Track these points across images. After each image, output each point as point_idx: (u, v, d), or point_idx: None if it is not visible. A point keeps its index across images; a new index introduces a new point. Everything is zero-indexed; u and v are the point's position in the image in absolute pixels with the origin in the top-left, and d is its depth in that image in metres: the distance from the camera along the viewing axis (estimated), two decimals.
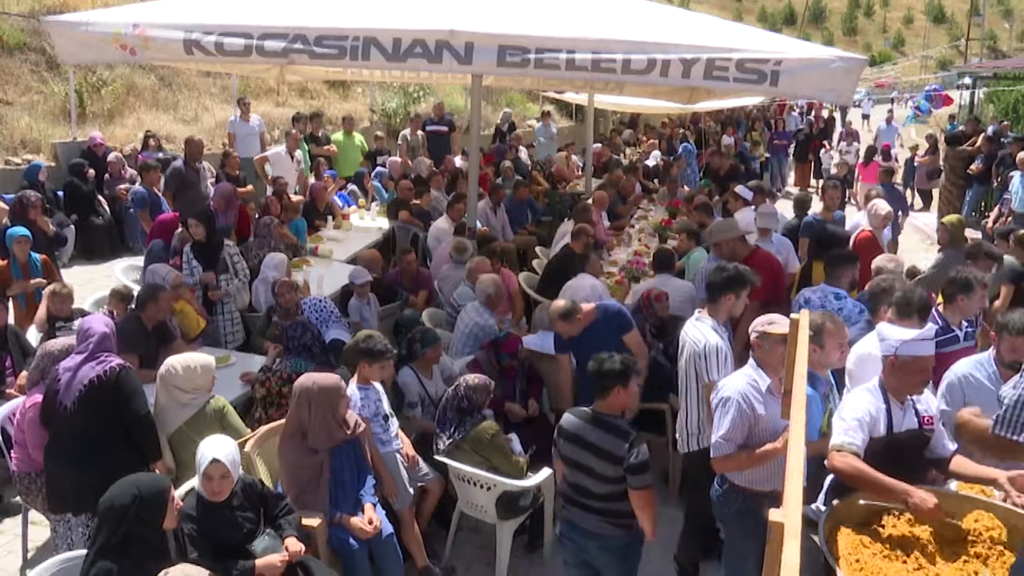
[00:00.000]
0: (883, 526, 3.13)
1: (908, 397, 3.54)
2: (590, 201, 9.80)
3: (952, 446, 3.67)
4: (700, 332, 4.43)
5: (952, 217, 7.95)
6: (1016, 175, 11.30)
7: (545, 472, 4.82)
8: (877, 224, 7.55)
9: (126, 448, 4.20)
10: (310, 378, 4.22)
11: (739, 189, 9.14)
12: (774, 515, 1.84)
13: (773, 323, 3.79)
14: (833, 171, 15.69)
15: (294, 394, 4.18)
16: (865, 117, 35.11)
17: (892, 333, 3.51)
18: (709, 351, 4.33)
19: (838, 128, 23.08)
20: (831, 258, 6.00)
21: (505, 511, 4.70)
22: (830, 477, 3.59)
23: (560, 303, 5.33)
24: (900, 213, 12.58)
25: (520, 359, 5.70)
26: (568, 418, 3.84)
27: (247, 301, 7.05)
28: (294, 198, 9.86)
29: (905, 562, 2.94)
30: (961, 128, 16.82)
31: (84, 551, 3.70)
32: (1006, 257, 6.78)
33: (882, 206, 7.62)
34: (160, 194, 9.49)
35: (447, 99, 18.88)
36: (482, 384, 4.83)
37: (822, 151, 18.62)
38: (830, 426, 3.65)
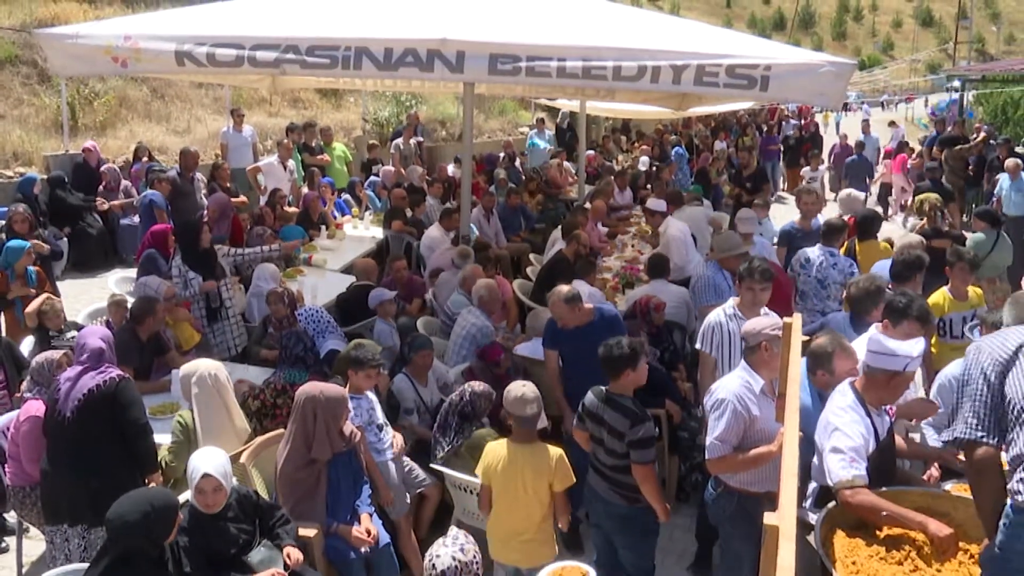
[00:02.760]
0: (879, 528, 3.14)
1: None
2: (587, 206, 9.84)
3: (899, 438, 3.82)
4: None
5: (930, 195, 9.10)
6: (1003, 177, 11.24)
7: None
8: (857, 208, 8.10)
9: (123, 459, 4.18)
10: (316, 387, 4.21)
11: (651, 203, 9.12)
12: (769, 518, 1.86)
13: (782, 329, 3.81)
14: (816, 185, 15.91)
15: (297, 403, 4.17)
16: (865, 122, 35.16)
17: (898, 347, 3.38)
18: (704, 325, 4.93)
19: (831, 138, 23.03)
20: (828, 227, 6.74)
21: None
22: (814, 484, 3.59)
23: (565, 288, 5.37)
24: (868, 178, 16.02)
25: (515, 365, 5.71)
26: (588, 396, 4.14)
27: (243, 303, 7.08)
28: (288, 209, 9.87)
29: (901, 564, 2.95)
30: (949, 129, 16.94)
31: (79, 565, 3.70)
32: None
33: (858, 195, 8.61)
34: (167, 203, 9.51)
35: (439, 107, 18.91)
36: (487, 392, 4.85)
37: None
38: None
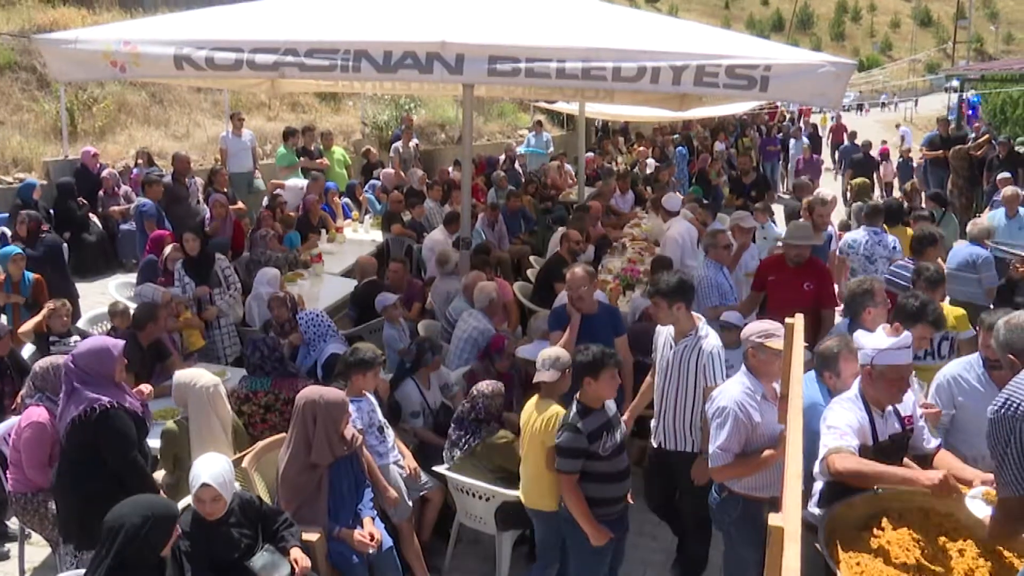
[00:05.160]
0: (883, 529, 3.13)
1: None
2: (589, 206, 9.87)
3: (934, 442, 3.71)
4: None
5: (857, 180, 10.84)
6: (994, 214, 9.63)
7: None
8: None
9: (111, 485, 3.94)
10: (316, 391, 4.21)
11: (666, 201, 9.14)
12: (774, 520, 1.84)
13: (771, 336, 3.79)
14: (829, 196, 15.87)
15: (297, 407, 4.17)
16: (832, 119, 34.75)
17: (868, 341, 3.44)
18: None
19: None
20: (872, 208, 7.55)
21: (505, 523, 4.67)
22: (819, 484, 3.57)
23: (585, 264, 5.55)
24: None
25: (517, 367, 5.71)
26: None
27: (240, 315, 7.04)
28: (289, 213, 9.86)
29: (906, 564, 2.94)
30: (951, 128, 17.02)
31: (77, 572, 3.68)
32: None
33: (827, 192, 8.82)
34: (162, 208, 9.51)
35: (438, 110, 18.90)
36: (496, 391, 4.83)
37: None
38: None
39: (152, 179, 9.55)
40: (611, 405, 4.03)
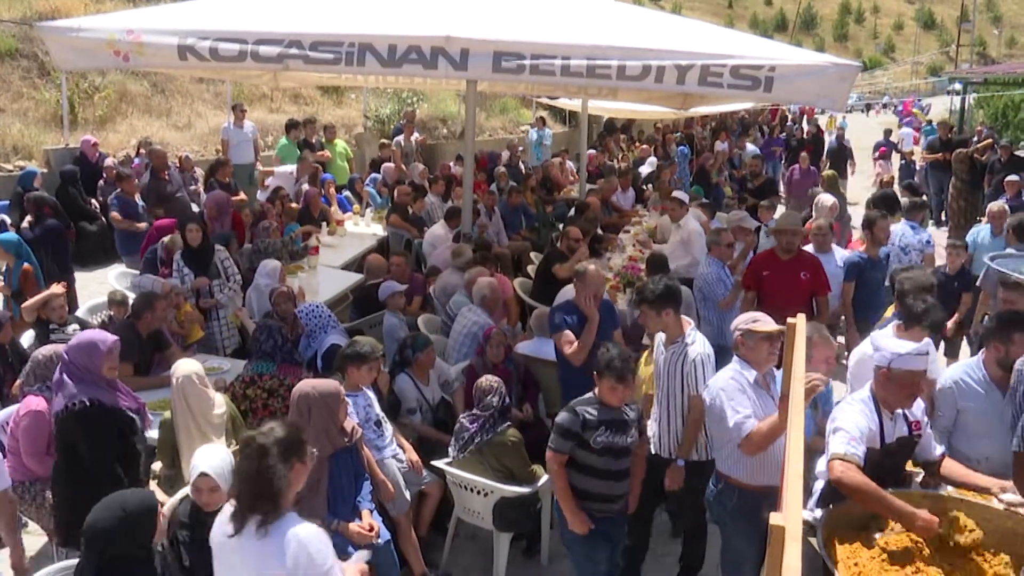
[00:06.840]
0: (881, 530, 3.13)
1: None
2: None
3: (940, 449, 3.71)
4: None
5: (827, 172, 11.22)
6: (982, 229, 8.74)
7: (542, 478, 4.81)
8: (826, 215, 8.32)
9: (94, 482, 3.80)
10: (309, 383, 4.20)
11: (677, 194, 9.19)
12: (775, 519, 1.85)
13: (757, 321, 3.87)
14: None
15: (292, 400, 4.16)
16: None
17: (888, 344, 3.44)
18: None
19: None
20: (912, 204, 8.08)
21: (504, 524, 4.67)
22: (820, 483, 3.56)
23: (597, 264, 5.69)
24: (848, 161, 16.92)
25: (516, 364, 5.71)
26: None
27: (240, 306, 7.03)
28: (291, 206, 9.84)
29: (904, 566, 2.95)
30: (952, 132, 17.03)
31: (70, 562, 3.68)
32: None
33: (826, 199, 8.78)
34: (138, 202, 9.50)
35: (441, 105, 18.87)
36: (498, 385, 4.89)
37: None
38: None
39: (123, 174, 9.56)
40: (630, 411, 4.03)
